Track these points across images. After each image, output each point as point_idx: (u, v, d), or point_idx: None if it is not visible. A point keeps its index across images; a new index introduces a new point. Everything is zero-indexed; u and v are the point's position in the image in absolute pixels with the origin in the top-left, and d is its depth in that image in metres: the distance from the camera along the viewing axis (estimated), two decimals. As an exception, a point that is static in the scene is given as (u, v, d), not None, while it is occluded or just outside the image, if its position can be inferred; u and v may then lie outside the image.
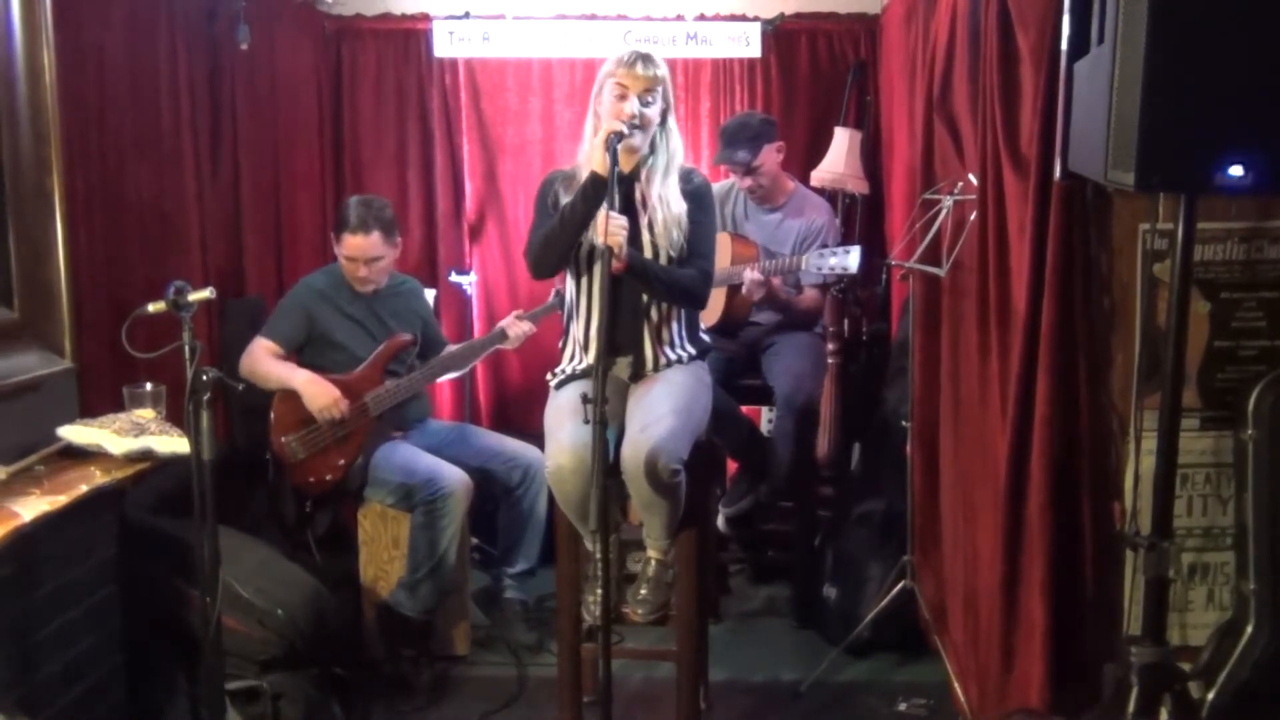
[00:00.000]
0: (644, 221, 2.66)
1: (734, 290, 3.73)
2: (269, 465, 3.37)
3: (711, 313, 3.70)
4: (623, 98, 2.60)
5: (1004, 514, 2.49)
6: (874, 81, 4.45)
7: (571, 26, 4.44)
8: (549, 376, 2.82)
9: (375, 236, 3.40)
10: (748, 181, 3.81)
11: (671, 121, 2.70)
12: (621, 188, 2.57)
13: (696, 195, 2.72)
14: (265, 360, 3.36)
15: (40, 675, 2.36)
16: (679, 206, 2.67)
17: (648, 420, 2.54)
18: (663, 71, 2.64)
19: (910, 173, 3.65)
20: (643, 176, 2.68)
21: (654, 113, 2.63)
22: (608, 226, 2.42)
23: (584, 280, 2.70)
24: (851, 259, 3.46)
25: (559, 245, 2.62)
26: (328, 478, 3.34)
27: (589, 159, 2.58)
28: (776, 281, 3.68)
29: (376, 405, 3.37)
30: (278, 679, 2.83)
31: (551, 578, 2.83)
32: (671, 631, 2.73)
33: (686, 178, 2.73)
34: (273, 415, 3.34)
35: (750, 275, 3.61)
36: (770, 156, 3.80)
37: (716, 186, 3.90)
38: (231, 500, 3.19)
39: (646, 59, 2.62)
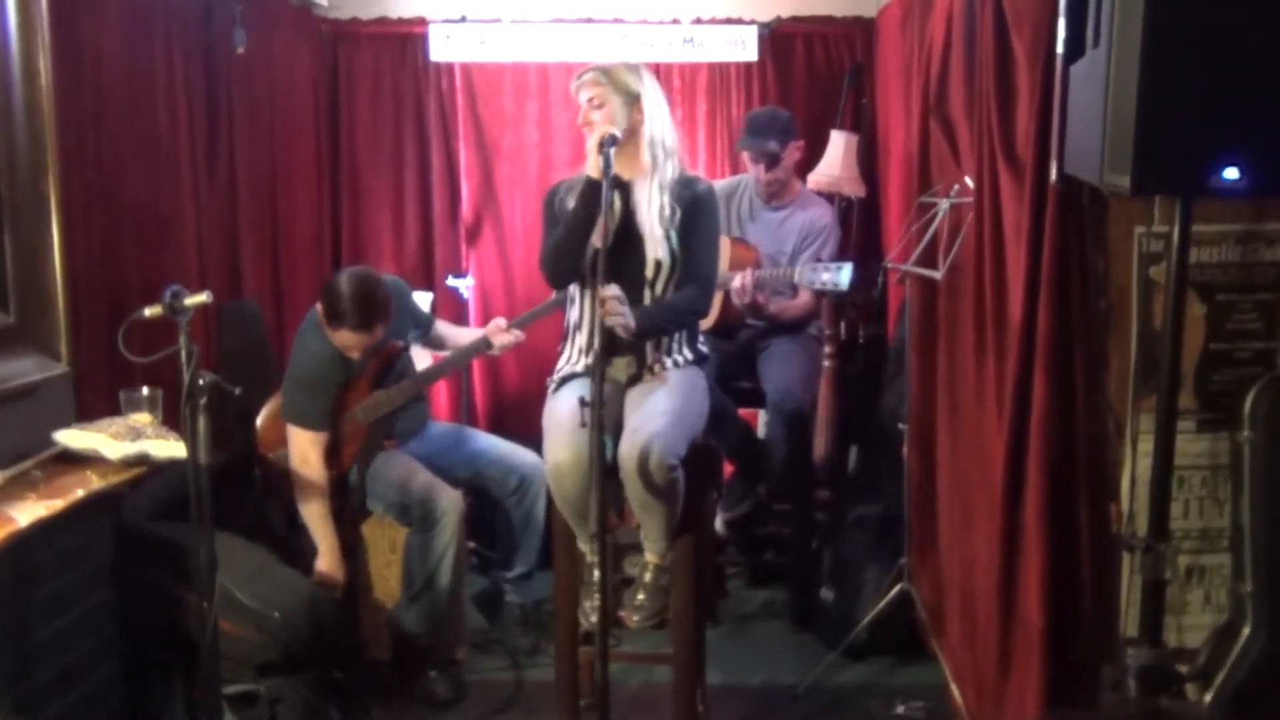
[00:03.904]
0: (640, 230, 2.65)
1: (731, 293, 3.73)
2: (256, 476, 3.34)
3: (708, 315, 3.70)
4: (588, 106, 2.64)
5: (1001, 516, 2.50)
6: (870, 85, 4.45)
7: (567, 30, 4.44)
8: (549, 382, 2.81)
9: (378, 330, 3.18)
10: (768, 175, 3.81)
11: (656, 131, 2.65)
12: (620, 194, 2.56)
13: (698, 201, 2.69)
14: (319, 501, 3.20)
15: (37, 680, 2.36)
16: (669, 213, 2.65)
17: (642, 420, 2.54)
18: (607, 80, 2.61)
19: (907, 176, 3.65)
20: (634, 185, 2.67)
21: (598, 118, 2.60)
22: (607, 305, 2.45)
23: (586, 288, 2.70)
24: (843, 275, 3.44)
25: (569, 252, 2.62)
26: None
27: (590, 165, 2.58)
28: (761, 298, 3.66)
29: (366, 414, 3.32)
30: (275, 683, 2.83)
31: (549, 581, 2.83)
32: (669, 635, 2.73)
33: (688, 184, 2.70)
34: (260, 428, 3.31)
35: (736, 284, 3.60)
36: (792, 153, 3.83)
37: (722, 184, 3.91)
38: (228, 504, 3.18)
39: (596, 69, 2.64)
